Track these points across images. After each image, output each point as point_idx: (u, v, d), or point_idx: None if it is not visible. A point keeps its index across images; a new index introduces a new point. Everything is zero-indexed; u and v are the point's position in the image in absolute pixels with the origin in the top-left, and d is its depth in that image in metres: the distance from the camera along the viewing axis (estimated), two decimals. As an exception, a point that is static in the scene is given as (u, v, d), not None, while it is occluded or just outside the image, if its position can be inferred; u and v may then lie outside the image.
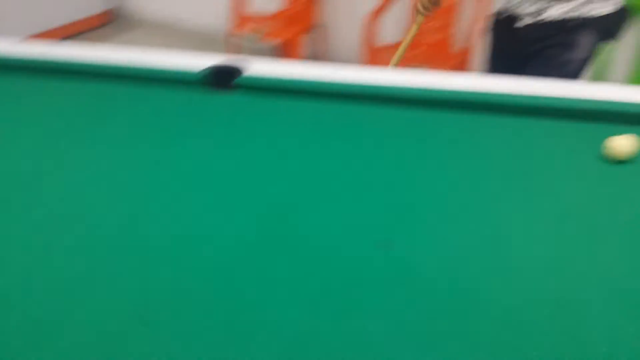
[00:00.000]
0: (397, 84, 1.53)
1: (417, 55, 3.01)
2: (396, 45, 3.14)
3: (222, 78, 1.57)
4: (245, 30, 3.39)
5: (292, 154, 1.28)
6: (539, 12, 1.90)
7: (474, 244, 0.99)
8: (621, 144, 1.22)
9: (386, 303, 0.87)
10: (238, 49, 3.63)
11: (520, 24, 1.93)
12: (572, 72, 1.96)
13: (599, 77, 2.73)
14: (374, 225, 1.04)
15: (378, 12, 3.03)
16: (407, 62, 2.70)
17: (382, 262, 0.95)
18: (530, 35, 1.93)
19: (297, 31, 3.36)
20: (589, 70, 1.99)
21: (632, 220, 1.06)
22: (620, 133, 1.27)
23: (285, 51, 3.51)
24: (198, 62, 1.61)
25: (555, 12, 1.88)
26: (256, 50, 3.83)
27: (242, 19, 3.52)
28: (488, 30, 2.10)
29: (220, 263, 0.95)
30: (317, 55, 3.69)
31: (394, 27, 3.30)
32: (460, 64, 2.91)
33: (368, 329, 0.82)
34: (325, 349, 0.79)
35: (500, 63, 2.08)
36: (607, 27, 1.90)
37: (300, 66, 1.66)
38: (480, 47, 2.93)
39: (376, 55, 3.01)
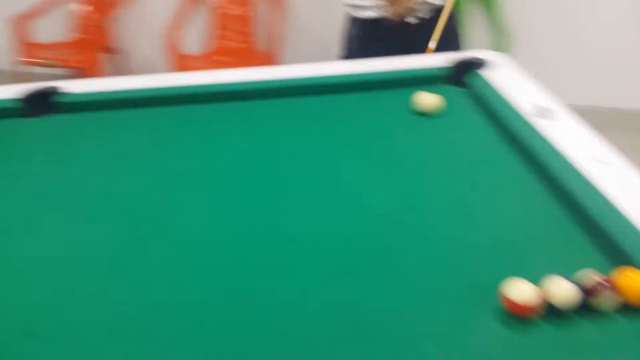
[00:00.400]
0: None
1: (226, 62, 3.10)
2: (202, 55, 3.21)
3: (39, 103, 1.51)
4: (38, 59, 3.19)
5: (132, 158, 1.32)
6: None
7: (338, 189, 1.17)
8: (426, 98, 1.44)
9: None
10: (30, 78, 3.39)
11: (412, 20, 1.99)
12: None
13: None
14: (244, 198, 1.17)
15: (177, 21, 3.06)
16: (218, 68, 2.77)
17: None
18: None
19: (94, 55, 3.25)
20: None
21: (440, 154, 1.31)
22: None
23: (85, 76, 3.36)
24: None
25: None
26: (53, 77, 3.60)
27: (30, 48, 3.30)
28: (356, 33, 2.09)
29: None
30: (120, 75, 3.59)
31: (195, 37, 3.35)
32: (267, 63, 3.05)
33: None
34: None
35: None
36: None
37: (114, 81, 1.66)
38: (282, 48, 3.11)
39: (183, 65, 3.03)
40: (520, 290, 0.82)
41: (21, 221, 1.11)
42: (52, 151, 1.36)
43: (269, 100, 1.56)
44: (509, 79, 1.56)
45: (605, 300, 0.82)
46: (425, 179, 1.21)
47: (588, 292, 0.83)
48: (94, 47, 3.20)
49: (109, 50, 3.41)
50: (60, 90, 1.55)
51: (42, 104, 1.52)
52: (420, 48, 1.96)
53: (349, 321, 0.85)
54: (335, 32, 3.19)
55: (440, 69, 1.64)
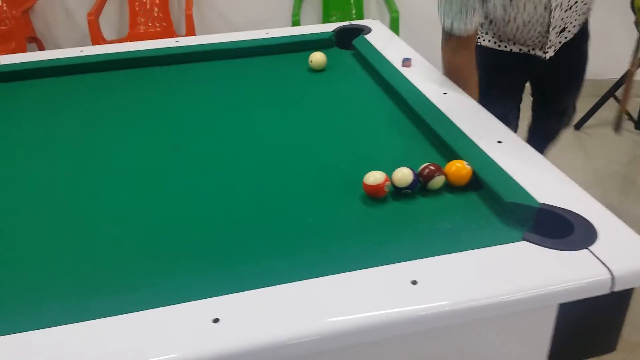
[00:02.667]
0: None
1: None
2: (120, 41, 3.38)
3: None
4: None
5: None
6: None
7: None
8: (317, 56, 1.73)
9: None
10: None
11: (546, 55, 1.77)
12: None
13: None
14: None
15: (97, 9, 3.21)
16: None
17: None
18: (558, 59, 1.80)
19: (16, 44, 3.34)
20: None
21: (327, 99, 1.62)
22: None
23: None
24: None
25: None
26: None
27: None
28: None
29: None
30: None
31: (111, 24, 3.51)
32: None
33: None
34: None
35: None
36: None
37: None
38: (193, 29, 3.31)
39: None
40: (370, 176, 1.13)
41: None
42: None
43: (189, 64, 1.83)
44: (383, 40, 1.89)
45: (436, 182, 1.14)
46: (315, 117, 1.51)
47: (424, 176, 1.14)
48: (15, 36, 3.29)
49: (30, 39, 3.50)
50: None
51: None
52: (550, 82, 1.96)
53: (259, 206, 1.13)
54: (240, 12, 3.49)
55: (328, 33, 1.95)
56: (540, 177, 1.12)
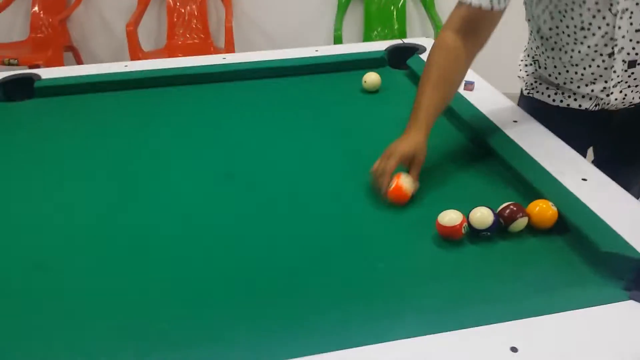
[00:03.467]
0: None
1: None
2: (159, 51, 3.32)
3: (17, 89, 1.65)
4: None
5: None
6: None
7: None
8: (371, 77, 1.64)
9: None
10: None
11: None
12: None
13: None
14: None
15: (136, 20, 3.17)
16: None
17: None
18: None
19: (53, 53, 3.32)
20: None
21: (380, 122, 1.48)
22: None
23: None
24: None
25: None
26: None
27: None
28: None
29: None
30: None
31: (149, 35, 3.47)
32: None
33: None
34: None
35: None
36: None
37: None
38: (232, 41, 3.26)
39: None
40: (446, 215, 1.02)
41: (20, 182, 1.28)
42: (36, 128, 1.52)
43: (237, 82, 1.75)
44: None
45: (518, 224, 1.03)
46: (376, 144, 1.39)
47: (505, 217, 1.04)
48: (51, 45, 3.27)
49: (67, 48, 3.48)
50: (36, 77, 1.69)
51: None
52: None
53: (323, 247, 1.03)
54: (279, 25, 3.41)
55: (381, 52, 1.85)
56: (636, 221, 1.01)
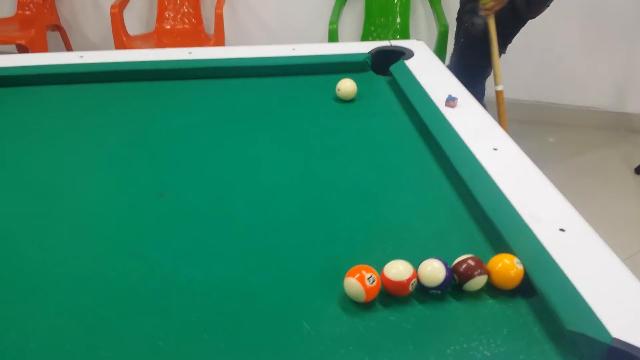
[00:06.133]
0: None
1: (169, 43, 3.07)
2: (146, 35, 3.17)
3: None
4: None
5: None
6: None
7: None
8: (345, 85, 1.47)
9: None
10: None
11: None
12: (470, 40, 2.31)
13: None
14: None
15: (122, 2, 3.01)
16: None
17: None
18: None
19: (36, 32, 3.17)
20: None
21: (352, 138, 1.35)
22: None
23: (29, 51, 3.28)
24: None
25: None
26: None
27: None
28: None
29: None
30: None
31: (139, 18, 3.31)
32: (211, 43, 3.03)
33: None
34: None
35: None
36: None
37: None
38: (222, 28, 3.10)
39: (128, 45, 2.99)
40: (393, 267, 0.86)
41: None
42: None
43: (198, 80, 1.59)
44: (427, 69, 1.61)
45: (475, 283, 0.87)
46: (334, 163, 1.24)
47: (460, 274, 0.88)
48: (36, 23, 3.13)
49: (52, 27, 3.34)
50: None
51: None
52: None
53: (235, 293, 0.88)
54: (276, 15, 3.23)
55: (363, 55, 1.68)
56: (618, 292, 0.85)
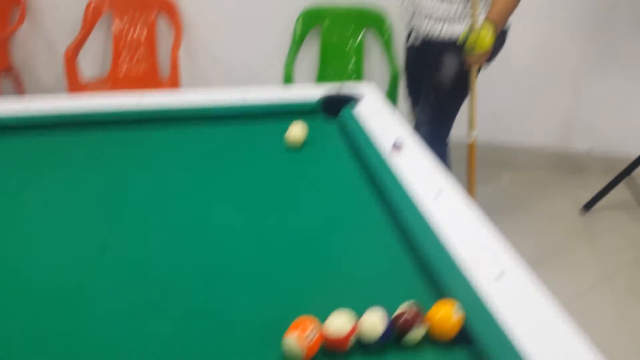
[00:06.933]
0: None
1: (125, 86, 3.06)
2: (99, 81, 3.15)
3: None
4: None
5: None
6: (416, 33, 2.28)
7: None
8: (294, 132, 1.48)
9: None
10: None
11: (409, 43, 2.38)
12: (442, 92, 2.27)
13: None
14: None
15: (77, 46, 2.99)
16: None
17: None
18: (414, 55, 2.37)
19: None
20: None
21: (299, 187, 1.36)
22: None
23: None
24: None
25: (423, 32, 2.21)
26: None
27: None
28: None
29: None
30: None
31: (94, 60, 3.28)
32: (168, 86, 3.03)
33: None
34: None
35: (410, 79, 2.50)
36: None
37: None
38: (179, 71, 3.10)
39: (83, 89, 2.96)
40: (333, 322, 0.86)
41: None
42: None
43: (145, 127, 1.58)
44: (376, 112, 1.64)
45: (414, 335, 0.87)
46: (279, 209, 1.24)
47: (399, 327, 0.87)
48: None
49: (6, 70, 3.29)
50: None
51: None
52: None
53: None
54: (234, 57, 3.26)
55: (312, 104, 1.69)
56: (556, 341, 0.86)
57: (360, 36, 3.17)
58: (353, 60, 3.18)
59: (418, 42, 2.31)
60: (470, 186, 2.38)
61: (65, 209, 1.25)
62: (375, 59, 3.26)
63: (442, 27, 2.17)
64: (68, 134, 1.54)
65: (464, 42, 2.09)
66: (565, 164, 3.40)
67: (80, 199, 1.28)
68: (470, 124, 2.30)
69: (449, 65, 2.21)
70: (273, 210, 1.24)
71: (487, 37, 2.02)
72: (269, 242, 1.13)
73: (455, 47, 2.15)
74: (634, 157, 2.85)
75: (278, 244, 1.13)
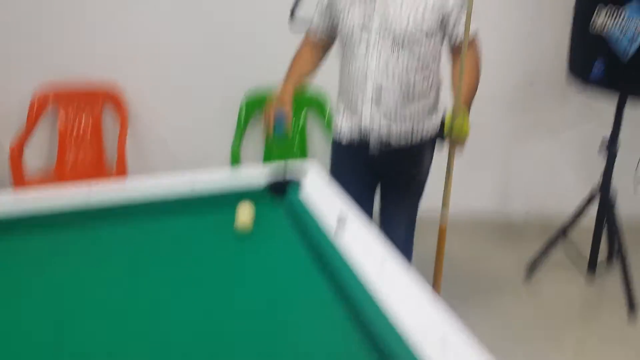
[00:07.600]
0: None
1: (71, 178, 3.05)
2: (46, 174, 3.13)
3: None
4: None
5: None
6: (382, 138, 2.10)
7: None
8: (242, 218, 1.53)
9: None
10: None
11: (372, 151, 2.14)
12: (423, 188, 2.27)
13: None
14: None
15: (22, 140, 2.98)
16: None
17: None
18: (382, 161, 2.16)
19: None
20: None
21: (247, 275, 1.39)
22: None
23: None
24: None
25: (396, 133, 2.09)
26: None
27: None
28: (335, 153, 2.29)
29: None
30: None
31: (40, 153, 3.28)
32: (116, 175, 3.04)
33: None
34: None
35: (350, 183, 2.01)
36: (440, 131, 2.11)
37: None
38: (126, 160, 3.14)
39: (28, 184, 2.94)
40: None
41: None
42: None
43: (88, 225, 1.58)
44: (318, 191, 1.72)
45: None
46: (228, 299, 1.27)
47: None
48: None
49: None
50: None
51: None
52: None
53: None
54: (181, 143, 3.33)
55: (259, 189, 1.75)
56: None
57: (303, 117, 3.31)
58: (297, 139, 3.31)
59: (377, 150, 2.15)
60: (436, 275, 2.33)
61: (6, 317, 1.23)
62: (318, 135, 3.40)
63: (420, 126, 2.13)
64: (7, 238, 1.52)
65: (449, 131, 2.08)
66: (503, 229, 3.57)
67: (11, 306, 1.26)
68: (444, 203, 2.26)
69: (429, 160, 2.24)
70: (222, 300, 1.27)
71: (467, 122, 2.06)
72: (220, 334, 1.15)
73: (432, 140, 2.18)
74: (567, 216, 3.02)
75: (230, 334, 1.15)
